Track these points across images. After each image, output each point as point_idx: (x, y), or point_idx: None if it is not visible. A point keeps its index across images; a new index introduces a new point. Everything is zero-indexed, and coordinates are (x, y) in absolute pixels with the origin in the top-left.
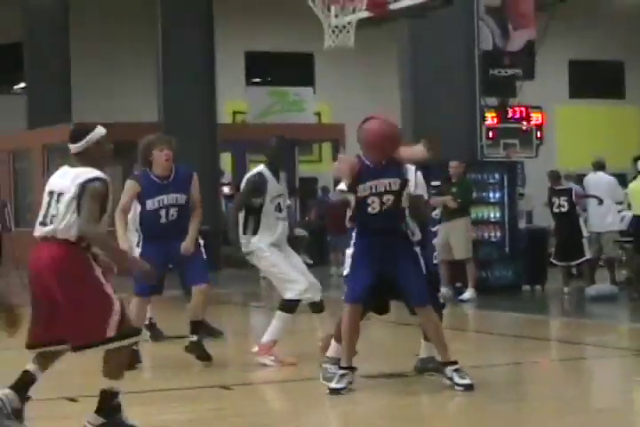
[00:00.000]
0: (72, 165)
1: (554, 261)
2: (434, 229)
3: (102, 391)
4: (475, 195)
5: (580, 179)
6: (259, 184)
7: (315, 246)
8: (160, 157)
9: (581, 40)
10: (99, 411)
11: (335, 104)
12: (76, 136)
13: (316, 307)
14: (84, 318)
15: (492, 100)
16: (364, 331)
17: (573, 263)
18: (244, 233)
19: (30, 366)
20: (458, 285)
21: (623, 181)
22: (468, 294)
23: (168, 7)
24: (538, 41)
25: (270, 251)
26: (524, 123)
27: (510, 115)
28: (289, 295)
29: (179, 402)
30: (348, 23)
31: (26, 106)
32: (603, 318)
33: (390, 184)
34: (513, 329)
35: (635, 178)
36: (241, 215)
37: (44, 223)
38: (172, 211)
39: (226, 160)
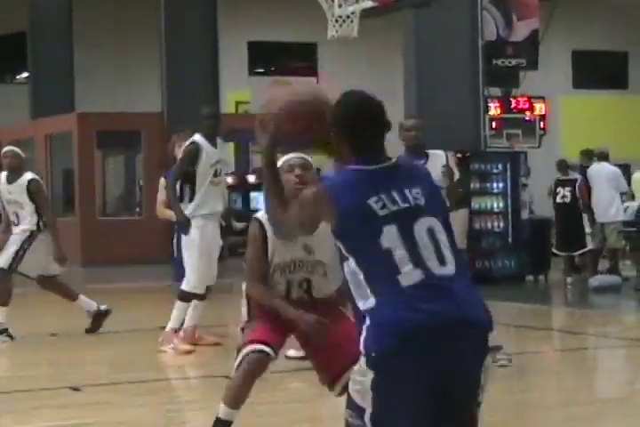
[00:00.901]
0: None
1: (555, 251)
2: None
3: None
4: (478, 185)
5: (583, 169)
6: (194, 152)
7: None
8: (180, 152)
9: (585, 30)
10: None
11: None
12: None
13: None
14: None
15: (496, 91)
16: None
17: (575, 254)
18: (181, 201)
19: None
20: None
21: (627, 171)
22: None
23: None
24: (541, 31)
25: (202, 235)
26: (528, 113)
27: (513, 105)
28: (184, 287)
29: (182, 392)
30: (352, 13)
31: (29, 96)
32: (606, 308)
33: None
34: (516, 319)
35: None
36: (177, 186)
37: None
38: None
39: (229, 150)
